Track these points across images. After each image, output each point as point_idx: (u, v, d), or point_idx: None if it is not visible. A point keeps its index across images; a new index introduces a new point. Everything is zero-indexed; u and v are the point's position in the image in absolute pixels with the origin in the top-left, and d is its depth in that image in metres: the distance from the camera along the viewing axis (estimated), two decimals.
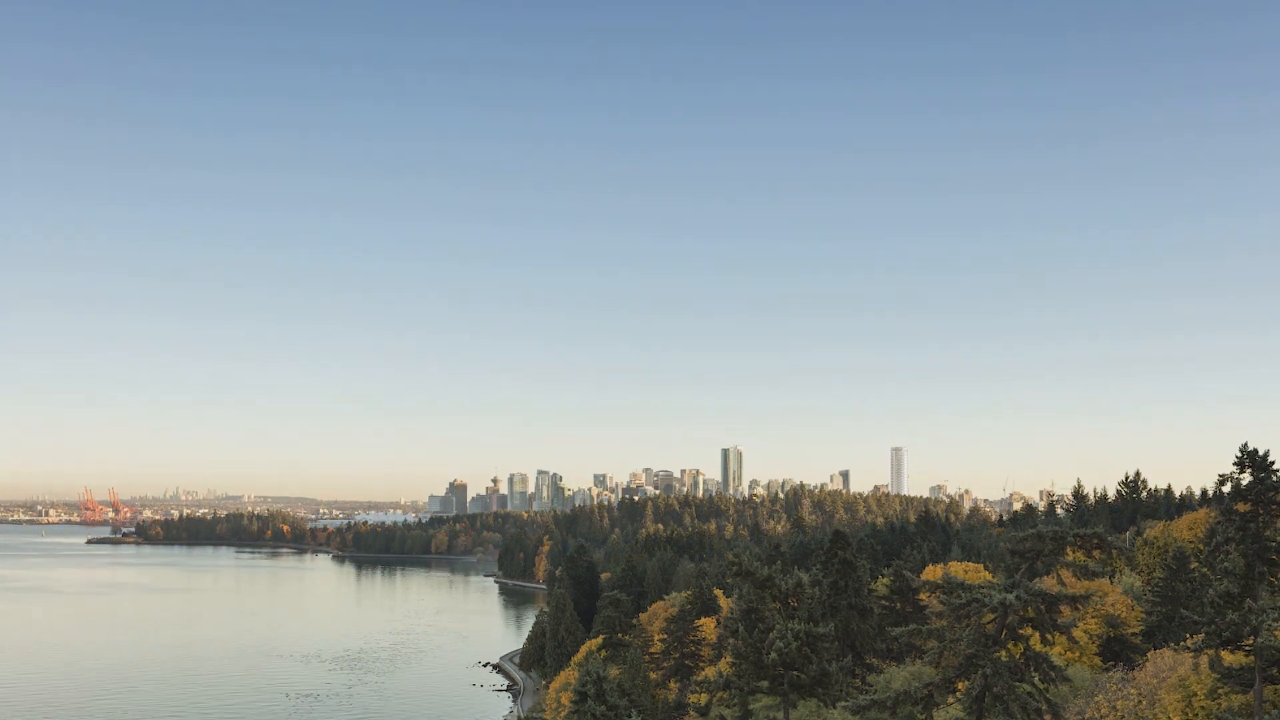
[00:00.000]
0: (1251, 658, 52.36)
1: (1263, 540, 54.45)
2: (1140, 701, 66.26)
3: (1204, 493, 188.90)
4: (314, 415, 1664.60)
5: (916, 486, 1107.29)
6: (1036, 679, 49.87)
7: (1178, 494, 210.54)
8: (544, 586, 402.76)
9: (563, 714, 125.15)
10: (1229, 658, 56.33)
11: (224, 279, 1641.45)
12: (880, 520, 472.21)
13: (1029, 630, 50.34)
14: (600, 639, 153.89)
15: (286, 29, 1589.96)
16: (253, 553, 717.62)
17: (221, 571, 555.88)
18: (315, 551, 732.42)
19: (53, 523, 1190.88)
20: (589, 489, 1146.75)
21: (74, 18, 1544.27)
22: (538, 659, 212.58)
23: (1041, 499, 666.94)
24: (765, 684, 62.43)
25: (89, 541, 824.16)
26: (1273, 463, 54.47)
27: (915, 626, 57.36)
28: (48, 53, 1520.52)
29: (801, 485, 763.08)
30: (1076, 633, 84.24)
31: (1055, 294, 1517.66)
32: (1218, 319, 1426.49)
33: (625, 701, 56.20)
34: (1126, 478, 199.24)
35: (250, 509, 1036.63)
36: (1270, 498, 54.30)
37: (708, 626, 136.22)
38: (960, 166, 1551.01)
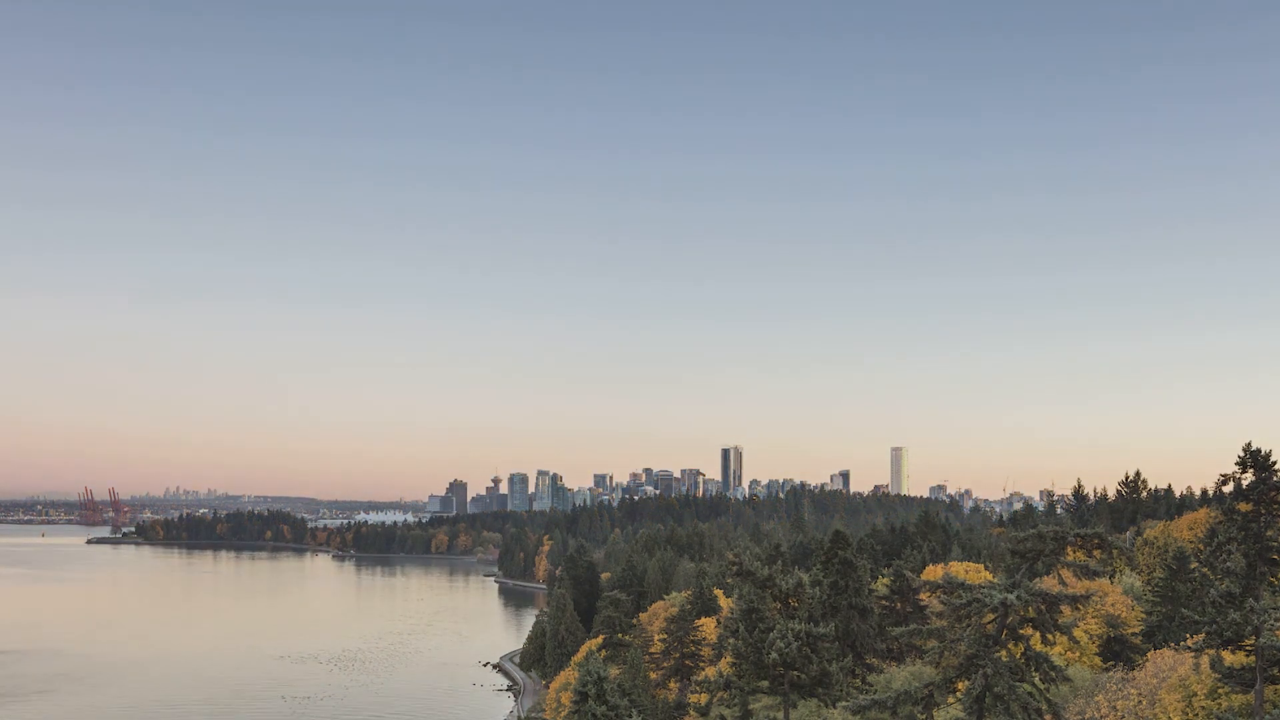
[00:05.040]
0: (1252, 658, 52.32)
1: (1264, 540, 54.48)
2: (1140, 701, 66.18)
3: (1204, 493, 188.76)
4: (315, 415, 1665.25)
5: (916, 486, 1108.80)
6: (1037, 679, 49.82)
7: (1178, 494, 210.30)
8: (544, 586, 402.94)
9: (563, 714, 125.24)
10: (1230, 658, 56.31)
11: (222, 278, 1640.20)
12: (880, 520, 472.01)
13: (1029, 630, 50.29)
14: (600, 639, 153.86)
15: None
16: (253, 552, 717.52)
17: (221, 571, 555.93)
18: (315, 551, 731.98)
19: (53, 522, 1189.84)
20: (589, 489, 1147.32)
21: None
22: (538, 659, 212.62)
23: (1041, 499, 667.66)
24: (765, 684, 62.47)
25: (89, 541, 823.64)
26: (1275, 462, 54.47)
27: (915, 626, 57.35)
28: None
29: (801, 485, 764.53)
30: (1077, 633, 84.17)
31: (1055, 293, 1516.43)
32: (1219, 318, 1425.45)
33: (625, 701, 56.07)
34: (1126, 478, 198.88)
35: (250, 509, 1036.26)
36: (1272, 497, 54.33)
37: (708, 626, 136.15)
38: (961, 168, 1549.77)
